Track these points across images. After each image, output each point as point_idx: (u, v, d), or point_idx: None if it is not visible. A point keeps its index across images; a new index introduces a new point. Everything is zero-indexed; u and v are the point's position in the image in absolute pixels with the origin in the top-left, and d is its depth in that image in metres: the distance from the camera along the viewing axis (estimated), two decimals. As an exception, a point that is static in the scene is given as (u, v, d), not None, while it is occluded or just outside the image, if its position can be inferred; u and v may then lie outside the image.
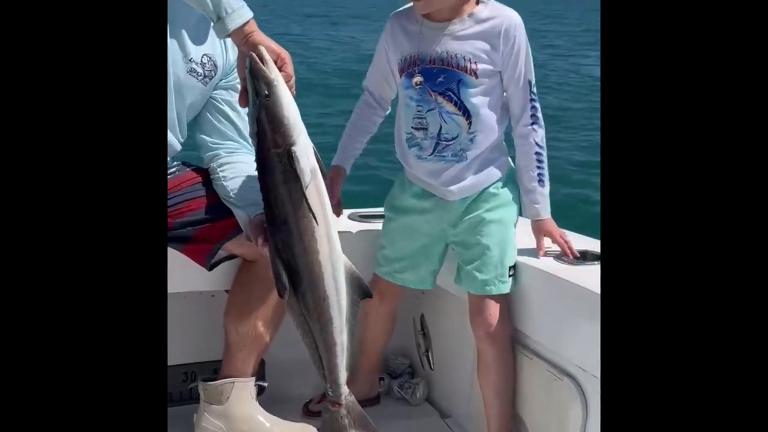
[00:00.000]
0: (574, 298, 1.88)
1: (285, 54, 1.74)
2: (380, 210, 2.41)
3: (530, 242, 2.15)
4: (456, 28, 2.04)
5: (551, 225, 2.14)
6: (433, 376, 2.63)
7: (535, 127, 2.10)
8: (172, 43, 1.99)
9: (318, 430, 2.03)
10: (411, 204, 2.20)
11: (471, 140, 2.06)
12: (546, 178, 2.12)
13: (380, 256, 2.30)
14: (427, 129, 2.08)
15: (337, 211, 2.09)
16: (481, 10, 2.05)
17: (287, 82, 1.70)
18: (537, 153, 2.10)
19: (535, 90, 2.10)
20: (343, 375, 1.77)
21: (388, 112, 2.28)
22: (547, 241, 2.15)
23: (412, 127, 2.10)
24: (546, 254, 2.13)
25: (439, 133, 2.07)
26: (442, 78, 2.04)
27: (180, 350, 2.35)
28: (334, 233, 1.69)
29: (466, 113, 2.05)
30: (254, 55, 1.66)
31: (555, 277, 1.97)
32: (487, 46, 2.03)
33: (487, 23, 2.04)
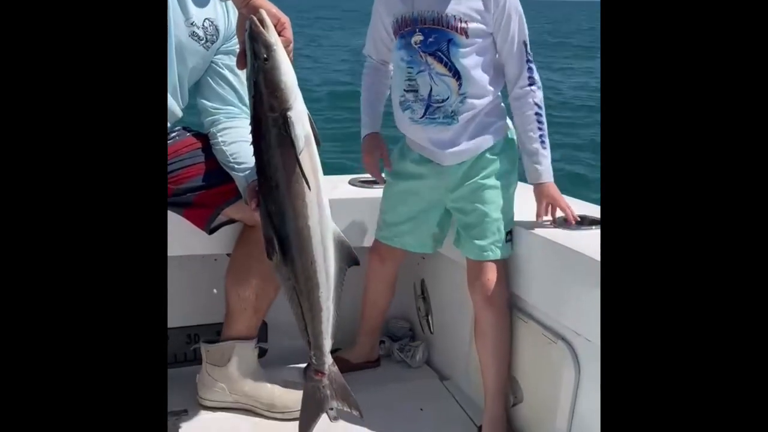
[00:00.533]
0: (570, 263, 1.90)
1: (285, 19, 1.72)
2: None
3: (528, 207, 2.15)
4: None
5: (554, 189, 2.11)
6: (432, 339, 2.67)
7: (533, 87, 2.08)
8: (173, 3, 1.97)
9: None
10: (410, 169, 2.22)
11: (462, 102, 2.05)
12: (547, 140, 2.09)
13: (380, 220, 2.33)
14: (417, 91, 2.08)
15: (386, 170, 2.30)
16: None
17: (286, 47, 1.70)
18: (537, 114, 2.07)
19: (530, 51, 2.08)
20: (327, 343, 1.75)
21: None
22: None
23: (405, 90, 2.10)
24: (544, 220, 2.13)
25: (430, 95, 2.06)
26: (432, 38, 2.03)
27: (183, 312, 2.40)
28: (324, 200, 1.68)
29: (456, 74, 2.03)
30: (254, 18, 1.65)
31: (552, 242, 1.98)
32: (479, 5, 2.02)
33: None
